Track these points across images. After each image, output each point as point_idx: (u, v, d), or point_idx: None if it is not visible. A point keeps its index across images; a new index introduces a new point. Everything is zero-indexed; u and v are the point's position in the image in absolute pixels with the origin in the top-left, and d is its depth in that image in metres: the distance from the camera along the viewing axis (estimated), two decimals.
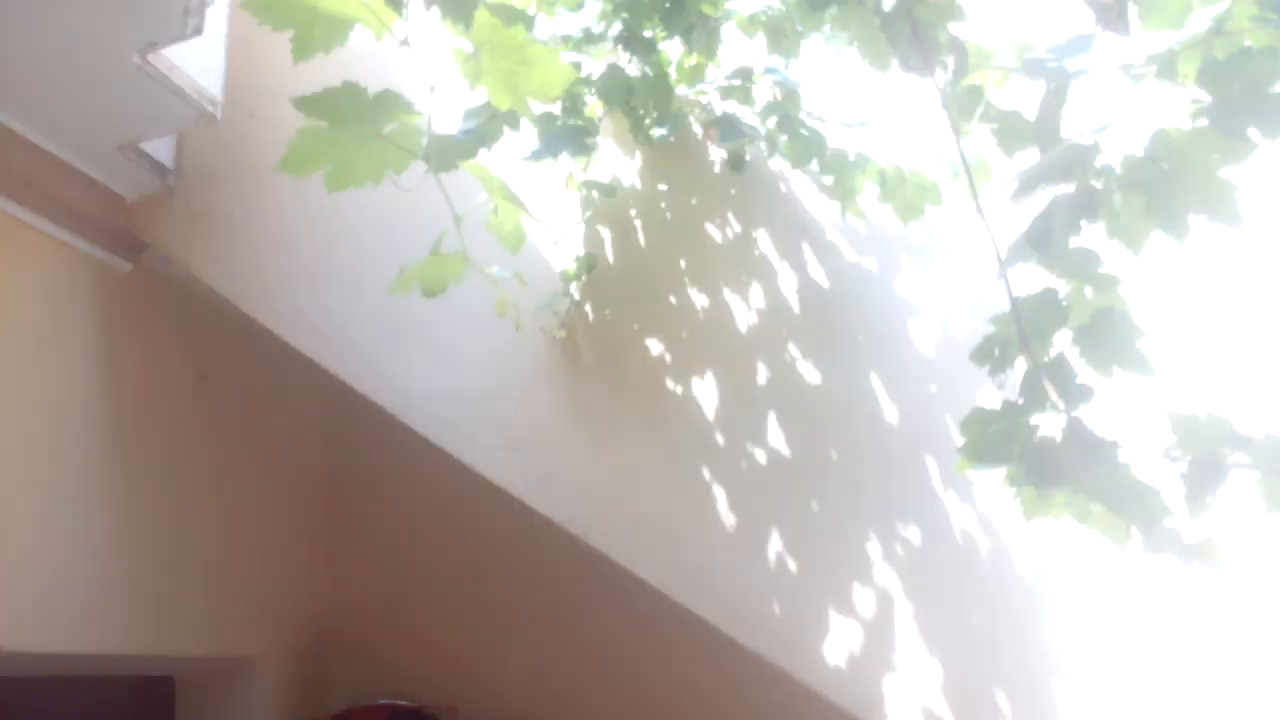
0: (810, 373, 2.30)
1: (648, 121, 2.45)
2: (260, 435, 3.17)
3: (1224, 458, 1.20)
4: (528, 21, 1.33)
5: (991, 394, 2.18)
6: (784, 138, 2.25)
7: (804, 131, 2.19)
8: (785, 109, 2.24)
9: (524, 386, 2.45)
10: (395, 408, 2.44)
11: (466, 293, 2.36)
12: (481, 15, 1.18)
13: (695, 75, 2.47)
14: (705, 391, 2.34)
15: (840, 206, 2.26)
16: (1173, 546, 1.25)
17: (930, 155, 1.93)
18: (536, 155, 2.26)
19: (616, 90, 2.25)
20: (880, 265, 2.34)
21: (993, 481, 2.11)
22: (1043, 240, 1.24)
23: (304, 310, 2.55)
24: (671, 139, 2.53)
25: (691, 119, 2.57)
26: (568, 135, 2.12)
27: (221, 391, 2.97)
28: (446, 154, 1.49)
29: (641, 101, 2.26)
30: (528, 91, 1.33)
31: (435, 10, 1.25)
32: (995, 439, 1.31)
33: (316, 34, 1.30)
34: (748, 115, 2.36)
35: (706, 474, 2.28)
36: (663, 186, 2.54)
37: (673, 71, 2.43)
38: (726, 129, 2.26)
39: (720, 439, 2.31)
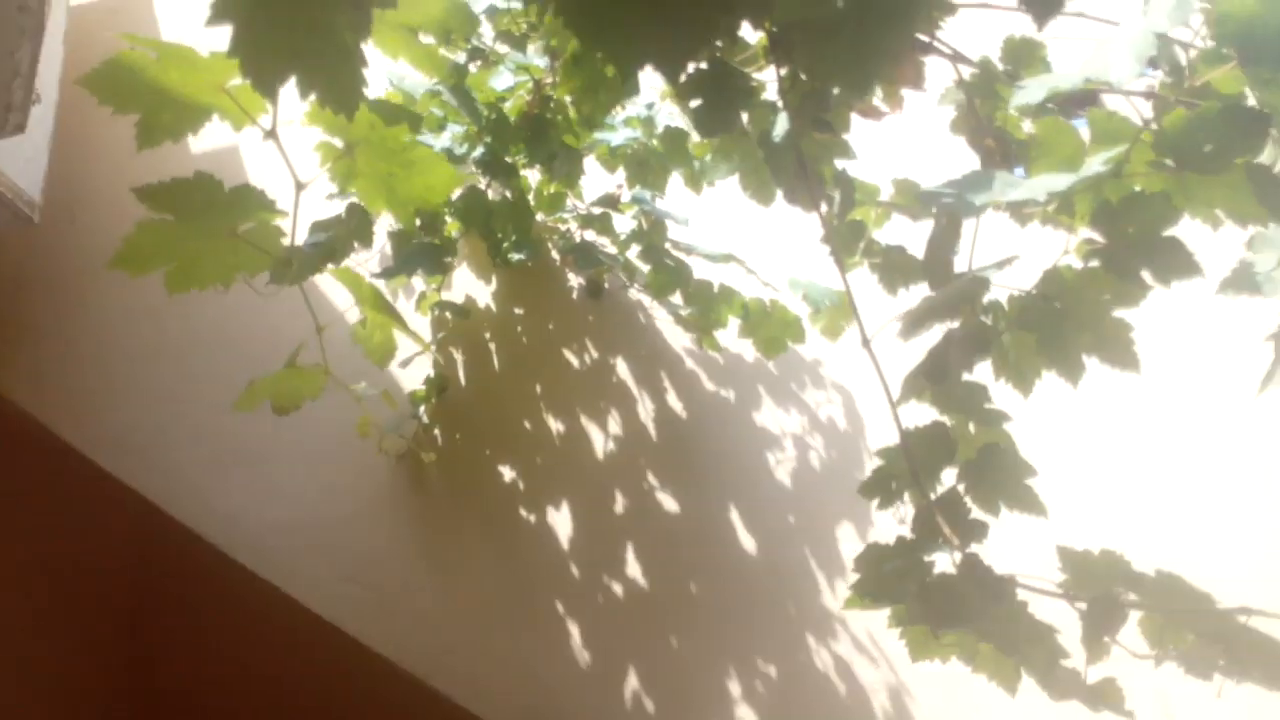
0: (669, 502, 2.25)
1: (505, 245, 2.41)
2: (56, 566, 2.82)
3: (1121, 596, 1.19)
4: (414, 121, 1.27)
5: (850, 526, 2.19)
6: (646, 267, 2.26)
7: (669, 262, 2.20)
8: (650, 239, 2.25)
9: (364, 515, 2.29)
10: (215, 535, 2.22)
11: (305, 413, 2.22)
12: (361, 112, 1.11)
13: (555, 203, 2.47)
14: (560, 521, 2.25)
15: (698, 338, 2.26)
16: (1075, 690, 1.22)
17: (790, 291, 1.97)
18: (390, 273, 2.17)
19: (476, 212, 2.21)
20: (738, 396, 2.34)
21: (857, 619, 2.09)
22: (939, 374, 1.23)
23: (115, 429, 2.32)
24: (529, 263, 2.50)
25: (550, 245, 2.56)
26: (424, 253, 2.05)
27: (14, 514, 2.64)
28: (305, 264, 1.39)
29: (500, 225, 2.23)
30: (408, 197, 1.26)
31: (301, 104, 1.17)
32: (890, 576, 1.26)
33: (165, 120, 1.19)
34: (609, 243, 2.37)
35: (560, 608, 2.16)
36: (519, 310, 2.50)
37: (532, 198, 2.42)
38: (584, 256, 2.25)
39: (575, 571, 2.20)
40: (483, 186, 2.24)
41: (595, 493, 2.27)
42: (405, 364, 2.34)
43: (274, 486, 2.29)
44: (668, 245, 2.19)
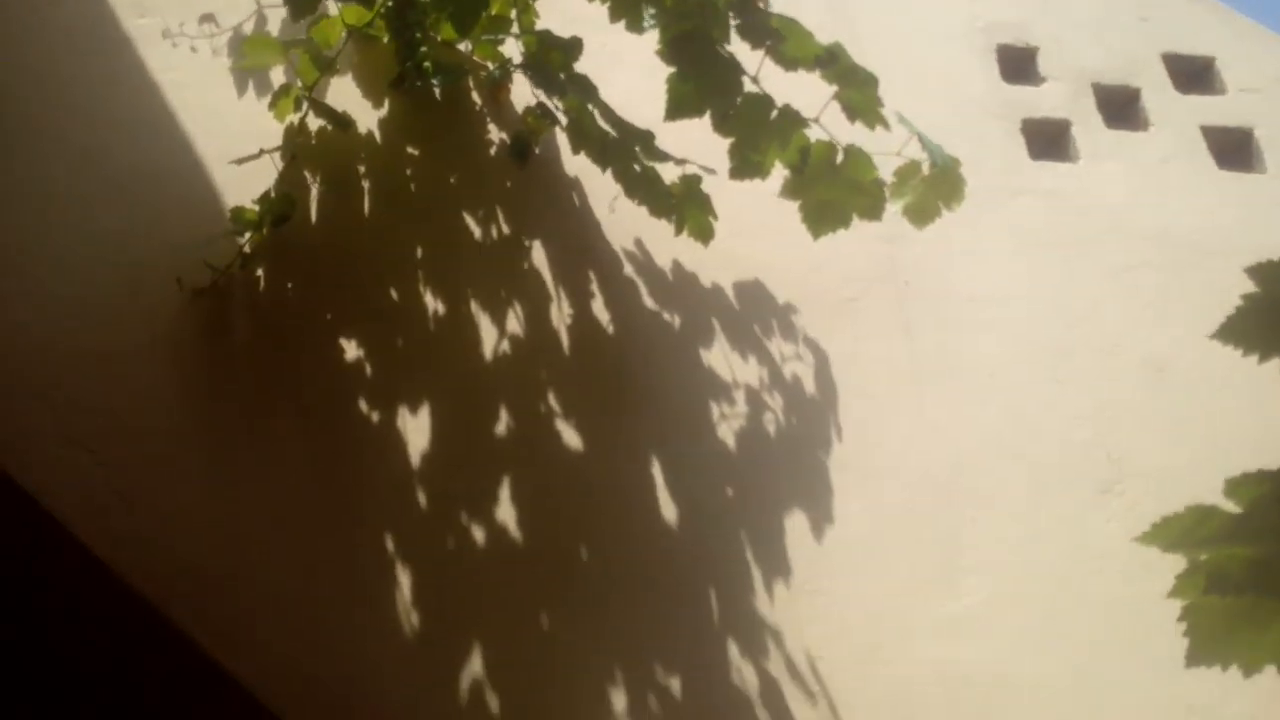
0: (569, 436, 1.64)
1: (421, 54, 1.76)
2: None
3: None
4: None
5: (802, 516, 1.66)
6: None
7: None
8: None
9: (124, 360, 1.54)
10: None
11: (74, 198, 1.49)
12: None
13: (497, 25, 1.85)
14: (414, 430, 1.59)
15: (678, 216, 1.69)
16: None
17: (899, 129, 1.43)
18: None
19: None
20: (684, 322, 1.78)
21: (793, 636, 1.54)
22: None
23: None
24: (437, 90, 1.85)
25: (471, 82, 1.93)
26: None
27: None
28: None
29: (456, 7, 1.58)
30: None
31: None
32: None
33: None
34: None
35: (392, 548, 1.50)
36: (412, 151, 1.84)
37: None
38: (545, 79, 1.64)
39: (423, 500, 1.54)
40: None
41: (471, 402, 1.63)
42: (239, 163, 1.63)
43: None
44: None
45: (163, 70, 1.77)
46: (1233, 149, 2.24)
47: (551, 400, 1.66)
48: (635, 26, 1.76)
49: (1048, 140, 2.21)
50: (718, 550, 1.59)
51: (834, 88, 1.45)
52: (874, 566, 1.61)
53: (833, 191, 1.46)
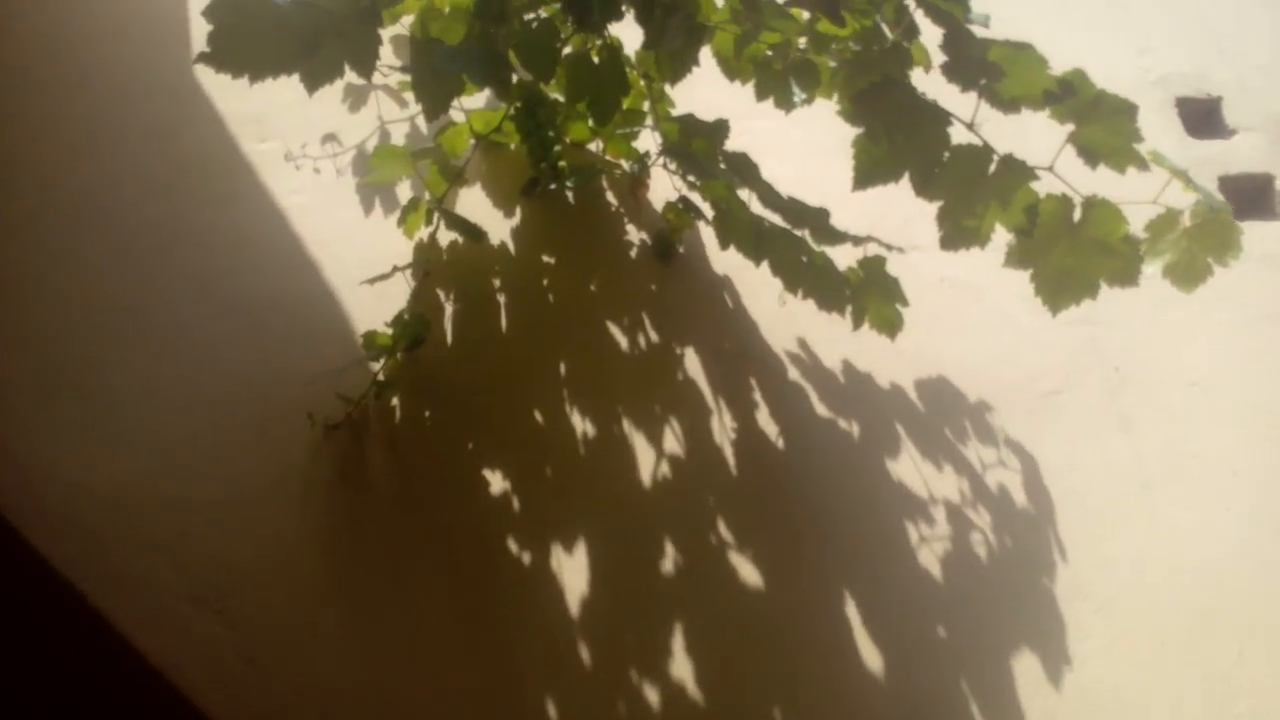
0: (748, 572, 1.42)
1: (555, 153, 1.63)
2: None
3: None
4: None
5: (1033, 659, 1.39)
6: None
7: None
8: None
9: (254, 505, 1.40)
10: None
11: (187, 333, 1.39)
12: None
13: (630, 118, 1.71)
14: (571, 571, 1.39)
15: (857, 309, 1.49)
16: None
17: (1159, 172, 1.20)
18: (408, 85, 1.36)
19: (582, 74, 1.43)
20: (863, 431, 1.56)
21: None
22: None
23: None
24: (570, 193, 1.72)
25: (605, 182, 1.79)
26: (477, 57, 1.24)
27: None
28: None
29: (593, 99, 1.44)
30: None
31: None
32: None
33: None
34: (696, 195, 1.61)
35: (555, 716, 1.29)
36: (548, 259, 1.69)
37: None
38: (689, 164, 1.48)
39: (587, 656, 1.34)
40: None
41: (632, 537, 1.43)
42: (370, 282, 1.51)
43: (112, 433, 1.39)
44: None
45: (286, 194, 1.67)
46: None
47: (722, 529, 1.44)
48: (785, 103, 1.59)
49: (1248, 198, 1.96)
50: (935, 704, 1.33)
51: (1067, 127, 1.21)
52: (1127, 718, 1.32)
53: (1073, 255, 1.21)
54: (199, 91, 1.72)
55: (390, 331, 1.50)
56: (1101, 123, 1.21)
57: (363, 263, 1.54)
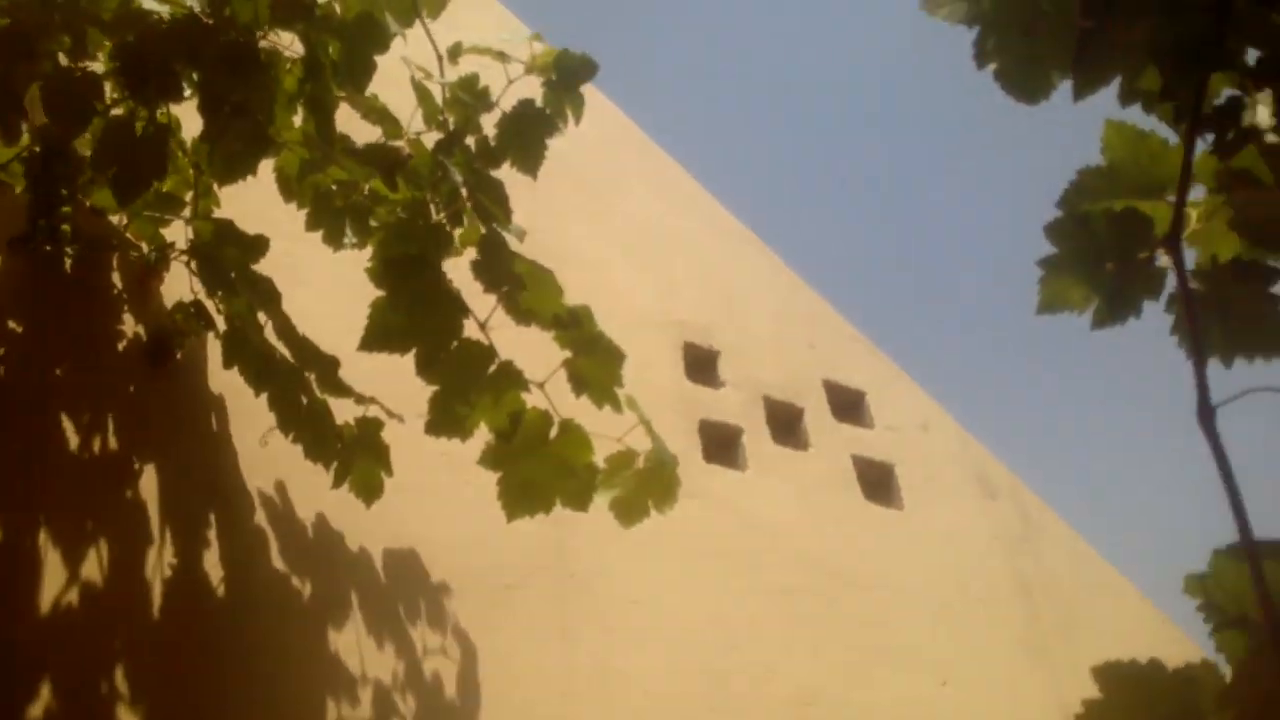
0: None
1: (60, 215, 1.45)
2: None
3: None
4: None
5: None
6: None
7: None
8: None
9: None
10: None
11: None
12: None
13: (165, 203, 1.57)
14: None
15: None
16: None
17: None
18: None
19: (68, 114, 1.28)
20: (315, 593, 1.48)
21: None
22: None
23: None
24: (68, 260, 1.53)
25: (115, 260, 1.61)
26: None
27: None
28: None
29: (121, 170, 1.30)
30: None
31: None
32: None
33: None
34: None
35: None
36: (15, 325, 1.47)
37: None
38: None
39: None
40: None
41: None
42: None
43: None
44: None
45: None
46: (877, 481, 2.39)
47: (117, 680, 1.28)
48: (333, 240, 1.57)
49: (720, 444, 2.24)
50: None
51: (565, 353, 1.31)
52: None
53: (540, 470, 1.29)
54: None
55: None
56: (595, 358, 1.34)
57: None
